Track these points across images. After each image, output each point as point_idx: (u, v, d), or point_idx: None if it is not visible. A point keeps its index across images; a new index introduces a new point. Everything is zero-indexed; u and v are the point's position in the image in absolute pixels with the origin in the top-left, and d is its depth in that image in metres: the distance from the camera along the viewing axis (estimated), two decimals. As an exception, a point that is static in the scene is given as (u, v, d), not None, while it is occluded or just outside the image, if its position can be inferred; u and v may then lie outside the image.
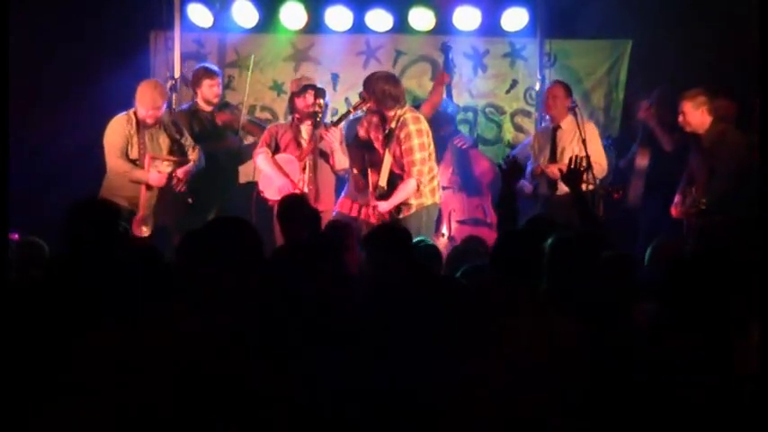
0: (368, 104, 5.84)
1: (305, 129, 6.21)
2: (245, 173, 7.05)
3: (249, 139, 6.95)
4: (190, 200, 6.30)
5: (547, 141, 6.46)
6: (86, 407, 1.12)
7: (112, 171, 6.07)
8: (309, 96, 6.11)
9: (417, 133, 5.68)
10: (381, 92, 5.71)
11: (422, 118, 5.85)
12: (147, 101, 6.02)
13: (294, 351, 2.72)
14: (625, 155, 6.91)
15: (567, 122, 6.37)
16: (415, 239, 4.40)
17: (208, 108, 6.73)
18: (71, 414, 1.12)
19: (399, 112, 5.75)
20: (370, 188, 5.93)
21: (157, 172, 6.06)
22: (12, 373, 1.98)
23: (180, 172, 6.17)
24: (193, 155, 6.29)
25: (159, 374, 1.09)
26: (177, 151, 6.26)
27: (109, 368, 1.18)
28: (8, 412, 1.52)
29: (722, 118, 6.19)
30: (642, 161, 6.78)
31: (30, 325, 2.49)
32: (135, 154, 6.08)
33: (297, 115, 6.23)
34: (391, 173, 5.79)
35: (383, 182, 5.80)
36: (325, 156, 6.17)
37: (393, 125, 5.75)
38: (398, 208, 5.81)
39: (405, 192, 5.73)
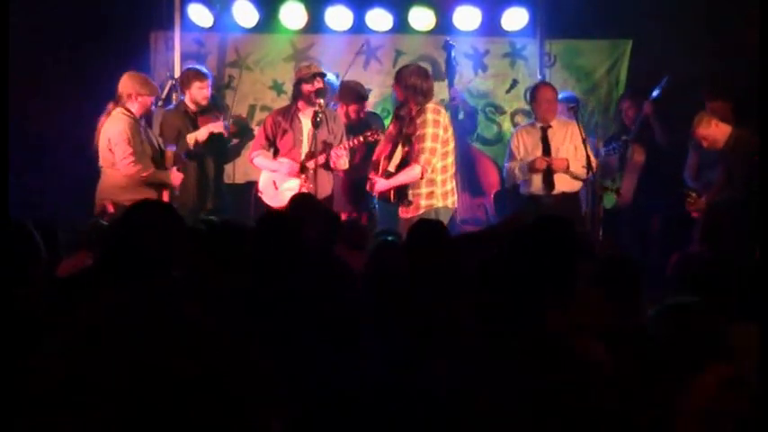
0: (379, 136, 5.98)
1: (305, 119, 6.16)
2: (243, 173, 7.05)
3: (234, 141, 6.92)
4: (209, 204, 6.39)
5: (536, 140, 6.43)
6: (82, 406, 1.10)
7: (127, 176, 5.87)
8: (318, 83, 6.09)
9: (434, 123, 5.65)
10: (412, 86, 5.72)
11: (443, 112, 5.85)
12: (148, 87, 6.03)
13: (294, 347, 2.73)
14: (608, 148, 6.86)
15: (557, 122, 6.41)
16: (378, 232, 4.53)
17: (194, 109, 6.62)
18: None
19: (425, 105, 5.76)
20: (379, 172, 5.89)
21: (176, 170, 6.04)
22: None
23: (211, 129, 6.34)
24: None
25: (151, 368, 1.08)
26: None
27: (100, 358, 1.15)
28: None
29: (722, 120, 6.23)
30: (638, 158, 6.80)
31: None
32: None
33: (301, 102, 6.17)
34: (403, 161, 5.77)
35: (392, 167, 5.78)
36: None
37: (414, 114, 5.75)
38: (404, 205, 5.76)
39: (406, 175, 5.70)
